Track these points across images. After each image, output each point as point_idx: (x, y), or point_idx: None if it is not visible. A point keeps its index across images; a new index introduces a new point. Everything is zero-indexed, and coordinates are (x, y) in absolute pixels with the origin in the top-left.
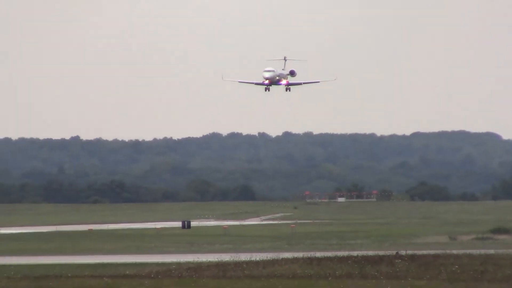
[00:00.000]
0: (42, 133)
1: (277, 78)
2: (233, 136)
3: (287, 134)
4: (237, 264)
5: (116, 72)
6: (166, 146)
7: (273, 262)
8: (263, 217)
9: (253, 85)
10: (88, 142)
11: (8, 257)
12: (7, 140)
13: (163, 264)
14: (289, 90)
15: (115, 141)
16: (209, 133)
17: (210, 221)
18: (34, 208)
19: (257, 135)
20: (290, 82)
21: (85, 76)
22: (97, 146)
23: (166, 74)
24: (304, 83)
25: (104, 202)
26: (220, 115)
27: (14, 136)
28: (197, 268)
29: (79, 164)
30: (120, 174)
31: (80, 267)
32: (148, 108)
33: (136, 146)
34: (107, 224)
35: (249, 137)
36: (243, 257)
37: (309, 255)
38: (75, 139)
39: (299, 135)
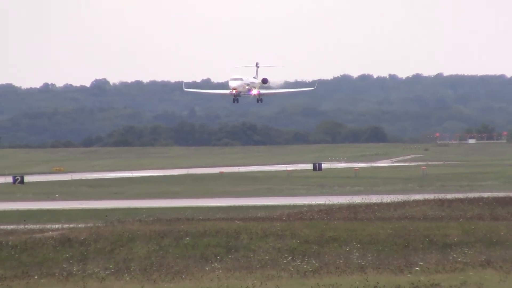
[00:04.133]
0: (173, 76)
1: (247, 87)
2: (364, 78)
3: (417, 76)
4: (368, 206)
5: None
6: None
7: (403, 204)
8: (393, 159)
9: (219, 95)
10: (219, 85)
11: (140, 200)
12: (138, 83)
13: (294, 206)
14: (261, 101)
15: None
16: (340, 75)
17: (341, 163)
18: (165, 151)
19: (387, 76)
20: (262, 92)
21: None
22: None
23: None
24: (278, 93)
25: (235, 145)
26: (350, 57)
27: (146, 79)
28: (328, 210)
29: (210, 107)
30: (251, 116)
31: (211, 210)
32: (277, 51)
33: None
34: (238, 167)
35: (380, 79)
36: (374, 199)
37: (439, 197)
38: (206, 82)
39: (429, 77)
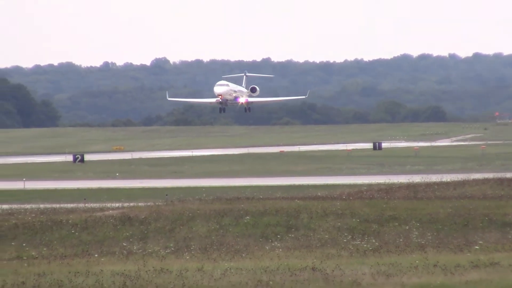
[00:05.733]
0: (233, 55)
1: (234, 94)
2: (423, 57)
3: (477, 55)
4: (428, 185)
5: None
6: (357, 67)
7: (463, 183)
8: (453, 138)
9: (206, 104)
10: (279, 64)
11: (200, 179)
12: (198, 62)
13: (354, 185)
14: (249, 110)
15: (306, 62)
16: (400, 55)
17: (400, 142)
18: (226, 130)
19: (447, 56)
20: (250, 100)
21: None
22: (288, 68)
23: None
24: (267, 101)
25: (295, 124)
26: (410, 36)
27: (206, 58)
28: (388, 189)
29: (270, 86)
30: (311, 95)
31: (271, 189)
32: (338, 29)
33: (327, 68)
34: (298, 146)
35: (439, 58)
36: (434, 178)
37: (499, 176)
38: (266, 61)
39: (489, 56)
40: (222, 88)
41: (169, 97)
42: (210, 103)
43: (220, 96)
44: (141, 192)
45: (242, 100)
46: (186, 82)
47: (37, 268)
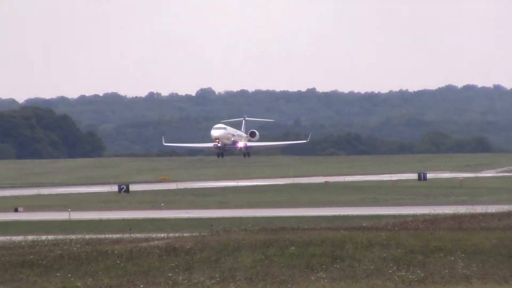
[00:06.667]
0: (278, 86)
1: (232, 138)
2: (468, 88)
3: None
4: (473, 216)
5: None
6: (402, 98)
7: (508, 214)
8: (498, 169)
9: (203, 149)
10: (324, 94)
11: (246, 210)
12: (243, 92)
13: (399, 216)
14: (248, 156)
15: (351, 93)
16: (444, 86)
17: (445, 173)
18: (271, 160)
19: (492, 87)
20: (249, 144)
21: (317, 29)
22: (333, 98)
23: None
24: (267, 146)
25: (340, 154)
26: (455, 67)
27: (251, 88)
28: (433, 220)
29: (315, 116)
30: (356, 126)
31: (316, 220)
32: (383, 60)
33: (372, 98)
34: (343, 176)
35: (484, 89)
36: (479, 209)
37: None
38: (311, 91)
39: None
40: (219, 131)
41: (165, 143)
42: (208, 148)
43: (217, 140)
44: (187, 223)
45: (240, 144)
46: (230, 112)
47: None
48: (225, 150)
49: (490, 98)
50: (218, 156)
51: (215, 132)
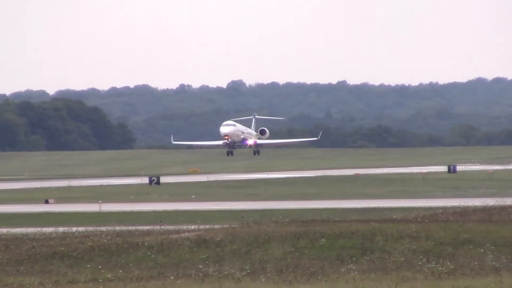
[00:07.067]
0: (309, 78)
1: (242, 136)
2: (498, 80)
3: None
4: (503, 209)
5: (373, 16)
6: (432, 90)
7: None
8: None
9: (213, 147)
10: (355, 87)
11: (276, 202)
12: (274, 85)
13: (429, 208)
14: (258, 154)
15: (381, 85)
16: (474, 78)
17: (475, 165)
18: (301, 153)
19: None
20: (259, 142)
21: (347, 21)
22: (364, 91)
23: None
24: (278, 143)
25: (370, 147)
26: (483, 59)
27: (281, 80)
28: (463, 212)
29: (346, 109)
30: (386, 119)
31: (346, 212)
32: (414, 52)
33: (402, 91)
34: (373, 169)
35: None
36: (508, 201)
37: None
38: (342, 84)
39: None
40: (229, 128)
41: (173, 141)
42: (217, 145)
43: (226, 137)
44: (217, 215)
45: (250, 142)
46: (261, 104)
47: None
48: (234, 148)
49: None
50: (228, 154)
51: (224, 129)
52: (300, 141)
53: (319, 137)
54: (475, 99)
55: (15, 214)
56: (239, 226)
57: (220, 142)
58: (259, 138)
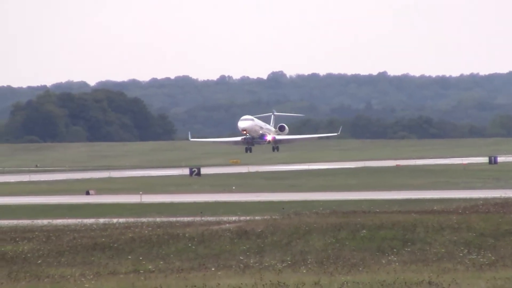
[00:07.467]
0: (349, 69)
1: (260, 131)
2: None
3: None
4: None
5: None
6: (473, 81)
7: None
8: None
9: (230, 144)
10: (396, 78)
11: (317, 193)
12: (315, 76)
13: (470, 199)
14: (277, 150)
15: (422, 76)
16: None
17: None
18: (342, 144)
19: None
20: (278, 138)
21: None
22: (405, 82)
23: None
24: (297, 139)
25: (411, 138)
26: None
27: (322, 71)
28: (504, 203)
29: (387, 100)
30: (427, 110)
31: (387, 203)
32: (452, 44)
33: (443, 82)
34: (414, 160)
35: None
36: None
37: None
38: (383, 75)
39: None
40: (247, 122)
41: (191, 138)
42: (235, 142)
43: (244, 132)
44: (258, 206)
45: (269, 137)
46: (302, 95)
47: (154, 281)
48: (253, 145)
49: None
50: (246, 151)
51: (242, 124)
52: (320, 136)
53: (339, 132)
54: None
55: (56, 205)
56: (279, 217)
57: (239, 138)
58: (278, 135)
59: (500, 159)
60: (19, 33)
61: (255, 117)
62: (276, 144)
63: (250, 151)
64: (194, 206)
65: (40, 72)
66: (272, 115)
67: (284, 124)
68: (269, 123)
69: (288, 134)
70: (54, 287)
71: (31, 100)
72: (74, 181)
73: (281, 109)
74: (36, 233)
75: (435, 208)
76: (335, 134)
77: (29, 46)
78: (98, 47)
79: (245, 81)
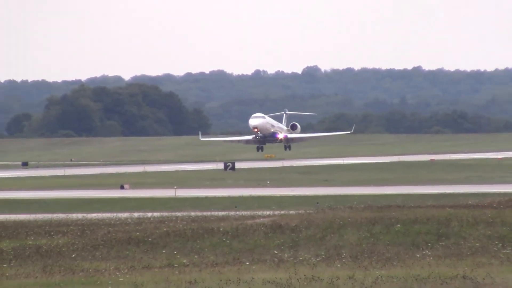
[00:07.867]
0: (384, 64)
1: (272, 130)
2: None
3: None
4: None
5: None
6: (507, 76)
7: None
8: None
9: (241, 143)
10: (430, 73)
11: (351, 187)
12: (349, 70)
13: (504, 194)
14: (289, 149)
15: (457, 71)
16: None
17: None
18: (376, 138)
19: None
20: (290, 136)
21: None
22: (439, 76)
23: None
24: (309, 137)
25: (445, 133)
26: None
27: (356, 66)
28: None
29: (421, 95)
30: (462, 104)
31: (422, 197)
32: (487, 38)
33: (478, 76)
34: (448, 154)
35: None
36: None
37: None
38: (417, 69)
39: None
40: (258, 120)
41: (201, 138)
42: (247, 140)
43: (256, 130)
44: (292, 200)
45: (280, 136)
46: (336, 90)
47: (188, 275)
48: (264, 144)
49: None
50: (258, 150)
51: (253, 121)
52: (332, 135)
53: (352, 131)
54: None
55: (90, 199)
56: (314, 211)
57: (250, 137)
58: (290, 133)
59: None
60: (53, 27)
61: (267, 116)
62: (288, 143)
63: (262, 150)
64: (228, 200)
65: (74, 67)
66: (284, 114)
67: (296, 123)
68: (281, 122)
69: (302, 132)
70: (89, 281)
71: (66, 94)
72: (109, 175)
73: (315, 103)
74: (71, 227)
75: (470, 202)
76: (348, 132)
77: (63, 40)
78: (133, 42)
79: (279, 75)
